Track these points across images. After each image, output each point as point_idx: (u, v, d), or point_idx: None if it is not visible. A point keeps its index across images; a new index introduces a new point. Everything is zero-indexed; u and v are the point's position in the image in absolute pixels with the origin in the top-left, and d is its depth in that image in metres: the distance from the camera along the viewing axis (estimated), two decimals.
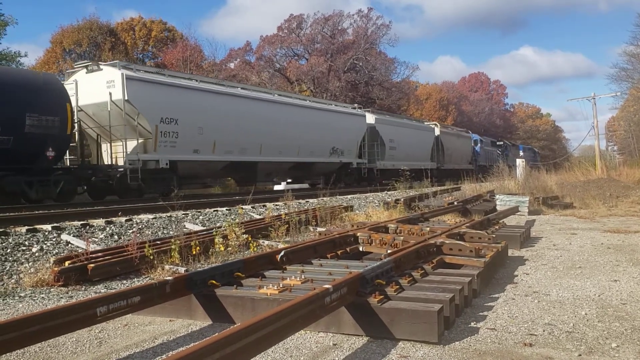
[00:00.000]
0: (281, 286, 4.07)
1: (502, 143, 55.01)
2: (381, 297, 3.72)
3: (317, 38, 46.10)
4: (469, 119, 69.81)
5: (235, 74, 42.82)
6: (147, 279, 5.89)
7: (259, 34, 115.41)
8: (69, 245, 7.06)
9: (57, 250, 6.75)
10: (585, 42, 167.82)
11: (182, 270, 6.03)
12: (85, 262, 5.74)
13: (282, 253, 5.14)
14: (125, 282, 5.77)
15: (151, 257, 6.08)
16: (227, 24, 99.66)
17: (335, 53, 44.73)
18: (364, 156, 26.35)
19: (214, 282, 4.19)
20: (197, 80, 17.68)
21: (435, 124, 37.08)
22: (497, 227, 8.66)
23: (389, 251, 5.69)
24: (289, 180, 25.23)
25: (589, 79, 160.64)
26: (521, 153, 60.81)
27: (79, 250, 6.52)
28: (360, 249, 6.45)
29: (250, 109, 18.69)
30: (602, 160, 29.88)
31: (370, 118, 27.75)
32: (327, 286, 3.46)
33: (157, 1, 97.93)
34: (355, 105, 28.78)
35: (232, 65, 46.01)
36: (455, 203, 12.80)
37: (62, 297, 5.02)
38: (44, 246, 6.81)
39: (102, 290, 5.38)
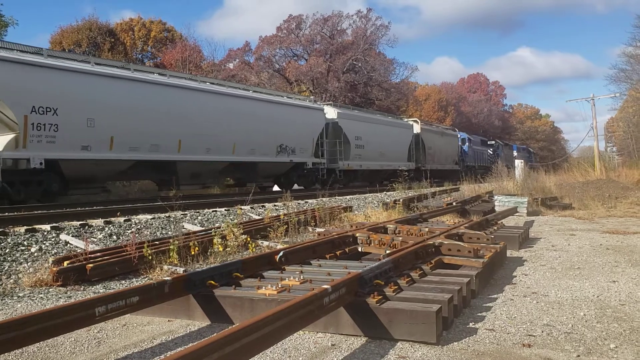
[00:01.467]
0: (280, 287, 4.08)
1: (493, 142, 53.19)
2: (380, 297, 3.72)
3: (316, 39, 46.10)
4: (468, 120, 69.88)
5: (235, 74, 42.82)
6: (146, 279, 5.89)
7: (256, 35, 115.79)
8: (68, 245, 7.06)
9: (56, 250, 6.75)
10: (583, 43, 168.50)
11: (180, 270, 6.03)
12: (84, 262, 5.74)
13: (280, 254, 5.14)
14: (124, 282, 5.76)
15: (150, 258, 6.08)
16: (224, 25, 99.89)
17: (334, 54, 44.73)
18: (322, 155, 23.13)
19: (212, 282, 4.19)
20: (92, 63, 14.49)
21: (416, 121, 34.12)
22: (495, 227, 8.67)
23: (387, 252, 5.69)
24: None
25: (587, 80, 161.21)
26: (515, 153, 60.11)
27: (78, 250, 6.52)
28: (359, 249, 6.46)
29: (165, 98, 15.60)
30: (601, 161, 29.91)
31: (331, 112, 24.54)
32: (325, 287, 3.47)
33: (155, 1, 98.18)
34: (312, 97, 25.79)
35: (231, 65, 46.01)
36: (454, 204, 12.81)
37: (60, 297, 5.02)
38: (43, 246, 6.80)
39: (101, 290, 5.37)
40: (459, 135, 41.80)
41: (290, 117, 20.99)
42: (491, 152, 50.11)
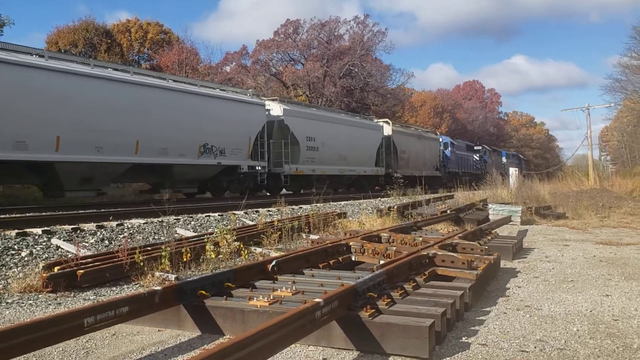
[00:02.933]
0: (271, 298, 4.04)
1: (480, 148, 50.53)
2: (372, 310, 3.69)
3: (313, 43, 46.15)
4: (463, 127, 70.03)
5: (231, 77, 42.80)
6: (137, 285, 5.84)
7: (249, 39, 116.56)
8: (59, 249, 7.00)
9: (46, 255, 6.69)
10: (577, 52, 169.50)
11: (172, 277, 5.99)
12: (75, 268, 5.68)
13: (273, 263, 5.11)
14: (114, 288, 5.71)
15: (141, 264, 6.03)
16: (219, 28, 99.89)
17: (331, 58, 44.78)
18: (262, 158, 20.03)
19: (203, 292, 4.15)
20: None
21: (387, 122, 30.90)
22: (489, 237, 8.65)
23: (381, 262, 5.66)
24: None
25: (581, 89, 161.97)
26: (504, 160, 59.04)
27: (69, 255, 6.46)
28: (353, 258, 6.42)
29: (35, 84, 12.54)
30: (595, 171, 30.02)
31: (276, 109, 21.38)
32: (318, 300, 3.43)
33: (149, 3, 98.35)
34: (251, 90, 22.03)
35: (228, 68, 45.98)
36: (448, 212, 12.79)
37: (50, 304, 4.96)
38: (34, 250, 6.74)
39: (92, 297, 5.32)
40: (440, 139, 39.20)
41: (219, 112, 17.88)
42: (477, 158, 48.09)
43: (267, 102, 21.20)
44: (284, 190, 21.98)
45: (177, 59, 38.59)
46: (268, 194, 21.32)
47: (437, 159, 37.01)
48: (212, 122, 17.49)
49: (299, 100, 37.26)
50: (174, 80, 17.28)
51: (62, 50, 34.46)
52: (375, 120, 30.75)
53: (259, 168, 19.83)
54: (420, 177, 30.98)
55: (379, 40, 46.96)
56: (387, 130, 30.02)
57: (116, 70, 15.41)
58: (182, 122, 16.29)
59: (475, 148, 49.12)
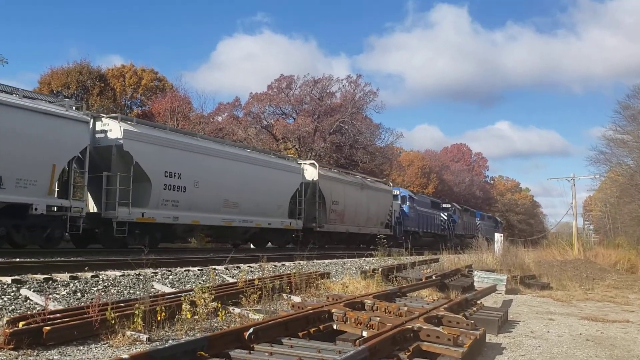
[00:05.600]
0: None
1: (449, 206, 46.24)
2: None
3: (305, 99, 46.86)
4: (450, 189, 70.60)
5: (222, 127, 43.05)
6: (106, 345, 5.53)
7: (240, 90, 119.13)
8: (28, 301, 6.68)
9: (13, 307, 6.38)
10: (560, 121, 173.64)
11: (144, 338, 5.70)
12: (41, 324, 5.38)
13: (250, 330, 4.87)
14: (82, 348, 5.40)
15: (112, 322, 5.75)
16: (210, 78, 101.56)
17: (322, 114, 45.38)
18: (75, 196, 14.62)
19: None
20: None
21: (313, 164, 25.30)
22: (475, 308, 8.46)
23: (364, 333, 5.45)
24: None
25: (564, 157, 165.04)
26: (478, 221, 54.78)
27: (37, 309, 6.16)
28: (335, 327, 6.18)
29: None
30: (579, 241, 30.15)
31: (114, 130, 15.62)
32: None
33: (142, 49, 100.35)
34: (72, 103, 15.52)
35: (220, 118, 46.32)
36: (434, 277, 12.59)
37: None
38: (1, 301, 6.42)
39: (56, 357, 5.02)
40: (396, 192, 34.63)
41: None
42: (445, 217, 43.97)
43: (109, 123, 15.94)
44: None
45: (170, 107, 38.81)
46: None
47: (387, 215, 31.63)
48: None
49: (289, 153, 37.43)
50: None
51: (55, 92, 34.59)
52: (298, 161, 25.08)
53: (77, 212, 14.28)
54: (365, 235, 27.84)
55: (370, 99, 47.85)
56: (312, 174, 24.49)
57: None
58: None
59: (444, 206, 45.31)
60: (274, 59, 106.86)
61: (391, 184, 34.65)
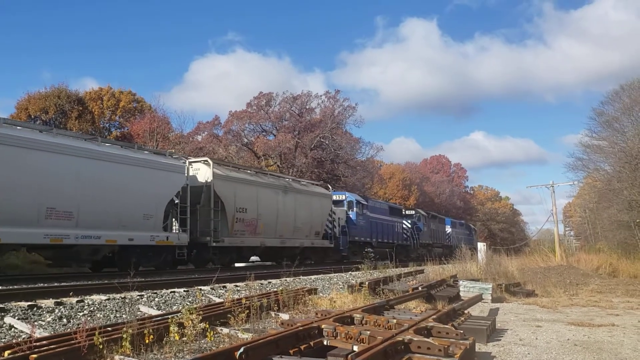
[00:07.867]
0: None
1: (412, 212, 41.46)
2: None
3: (285, 115, 47.00)
4: (431, 200, 71.10)
5: (203, 147, 42.94)
6: None
7: (216, 107, 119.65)
8: (12, 329, 6.56)
9: None
10: (534, 130, 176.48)
11: None
12: (28, 352, 5.29)
13: (241, 349, 4.84)
14: None
15: (100, 347, 5.67)
16: (184, 98, 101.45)
17: (302, 130, 45.53)
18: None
19: None
20: None
21: (206, 161, 19.86)
22: (462, 318, 8.51)
23: (355, 347, 5.45)
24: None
25: (540, 165, 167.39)
26: (449, 229, 49.10)
27: (22, 337, 6.06)
28: (325, 342, 6.17)
29: None
30: (561, 247, 30.51)
31: None
32: None
33: (116, 71, 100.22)
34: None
35: (199, 137, 46.19)
36: (420, 288, 12.63)
37: None
38: None
39: None
40: (337, 196, 28.98)
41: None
42: (408, 225, 38.55)
43: None
44: None
45: (149, 128, 38.62)
46: None
47: (325, 223, 26.41)
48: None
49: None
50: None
51: (32, 117, 34.22)
52: (180, 159, 19.00)
53: None
54: (293, 248, 23.26)
55: (349, 114, 48.17)
56: (205, 174, 19.17)
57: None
58: None
59: (407, 212, 40.71)
60: (249, 76, 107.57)
61: (330, 187, 28.89)
